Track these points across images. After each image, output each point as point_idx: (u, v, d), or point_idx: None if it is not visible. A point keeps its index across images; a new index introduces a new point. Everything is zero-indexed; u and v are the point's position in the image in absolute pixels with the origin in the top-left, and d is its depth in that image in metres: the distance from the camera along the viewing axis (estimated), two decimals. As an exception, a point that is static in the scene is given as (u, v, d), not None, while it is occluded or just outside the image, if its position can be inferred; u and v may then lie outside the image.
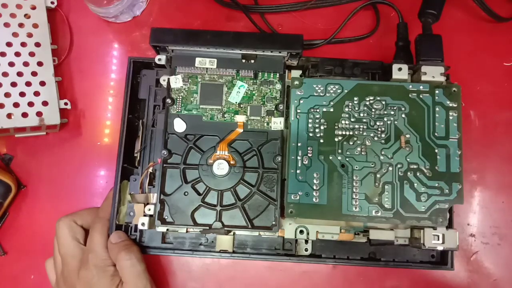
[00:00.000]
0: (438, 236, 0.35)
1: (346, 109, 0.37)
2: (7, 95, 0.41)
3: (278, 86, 0.39)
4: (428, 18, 0.40)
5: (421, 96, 0.37)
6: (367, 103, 0.37)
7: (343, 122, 0.37)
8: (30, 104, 0.42)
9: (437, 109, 0.36)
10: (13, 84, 0.42)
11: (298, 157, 0.36)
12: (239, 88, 0.38)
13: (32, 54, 0.43)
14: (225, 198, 0.37)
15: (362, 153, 0.36)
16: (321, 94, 0.37)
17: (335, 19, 0.45)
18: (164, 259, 0.43)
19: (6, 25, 0.43)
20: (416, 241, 0.36)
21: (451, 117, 0.36)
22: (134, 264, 0.36)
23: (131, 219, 0.38)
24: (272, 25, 0.46)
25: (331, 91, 0.37)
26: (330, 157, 0.36)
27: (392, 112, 0.37)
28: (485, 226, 0.43)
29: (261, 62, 0.39)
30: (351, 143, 0.36)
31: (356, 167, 0.36)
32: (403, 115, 0.37)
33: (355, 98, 0.37)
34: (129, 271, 0.36)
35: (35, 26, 0.44)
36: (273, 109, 0.38)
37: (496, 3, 0.44)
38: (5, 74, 0.42)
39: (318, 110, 0.37)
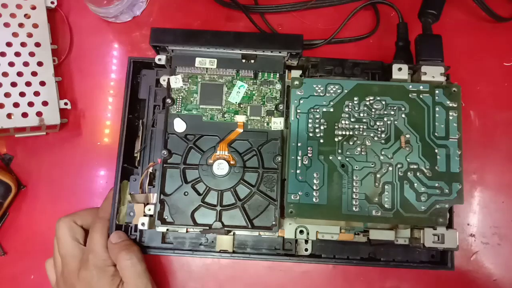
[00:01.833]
0: (438, 236, 0.35)
1: (346, 109, 0.37)
2: (7, 95, 0.41)
3: (278, 86, 0.39)
4: (428, 18, 0.40)
5: (421, 96, 0.37)
6: (367, 103, 0.37)
7: (343, 122, 0.37)
8: (30, 104, 0.42)
9: (437, 109, 0.36)
10: (13, 84, 0.42)
11: (298, 157, 0.36)
12: (239, 88, 0.38)
13: (32, 54, 0.43)
14: (225, 198, 0.37)
15: (362, 153, 0.36)
16: (321, 94, 0.37)
17: (335, 19, 0.45)
18: (164, 259, 0.43)
19: (6, 25, 0.43)
20: (416, 241, 0.36)
21: (451, 117, 0.36)
22: (135, 264, 0.36)
23: (131, 219, 0.38)
24: (272, 25, 0.46)
25: (331, 91, 0.37)
26: (330, 157, 0.36)
27: (392, 112, 0.37)
28: (485, 226, 0.43)
29: (261, 62, 0.39)
30: (351, 143, 0.36)
31: (356, 167, 0.36)
32: (403, 115, 0.37)
33: (355, 98, 0.37)
34: (130, 271, 0.36)
35: (35, 26, 0.43)
36: (273, 109, 0.38)
37: (496, 3, 0.44)
38: (5, 74, 0.42)
39: (318, 110, 0.37)
